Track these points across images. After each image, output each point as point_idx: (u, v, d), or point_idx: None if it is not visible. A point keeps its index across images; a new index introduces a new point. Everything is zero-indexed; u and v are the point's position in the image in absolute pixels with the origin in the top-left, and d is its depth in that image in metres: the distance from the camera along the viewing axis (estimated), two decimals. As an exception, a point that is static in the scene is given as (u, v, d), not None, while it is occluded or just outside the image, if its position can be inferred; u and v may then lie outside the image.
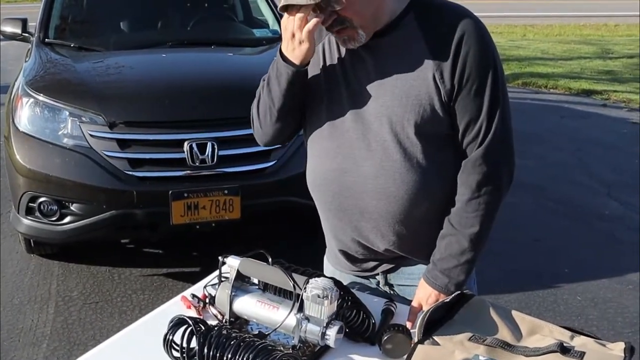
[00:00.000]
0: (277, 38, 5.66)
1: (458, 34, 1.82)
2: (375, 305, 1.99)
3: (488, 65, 1.84)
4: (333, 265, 2.25)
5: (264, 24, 6.24)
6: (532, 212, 5.79)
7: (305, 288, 1.74)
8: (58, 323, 4.00)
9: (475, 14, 1.88)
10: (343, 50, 1.95)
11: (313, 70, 1.99)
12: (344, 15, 1.78)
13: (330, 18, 1.79)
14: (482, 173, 1.88)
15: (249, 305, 1.88)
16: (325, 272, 2.22)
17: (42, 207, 4.17)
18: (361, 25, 1.82)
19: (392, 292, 2.18)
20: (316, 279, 1.76)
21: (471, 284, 2.13)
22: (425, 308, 1.94)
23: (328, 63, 1.98)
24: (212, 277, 2.13)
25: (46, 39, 5.33)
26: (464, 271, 1.95)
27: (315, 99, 2.00)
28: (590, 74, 12.18)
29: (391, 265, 2.12)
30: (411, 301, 2.05)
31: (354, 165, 1.93)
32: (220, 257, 1.97)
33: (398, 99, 1.85)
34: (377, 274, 2.18)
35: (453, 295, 1.80)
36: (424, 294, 1.98)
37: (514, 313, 1.74)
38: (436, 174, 1.91)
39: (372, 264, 2.14)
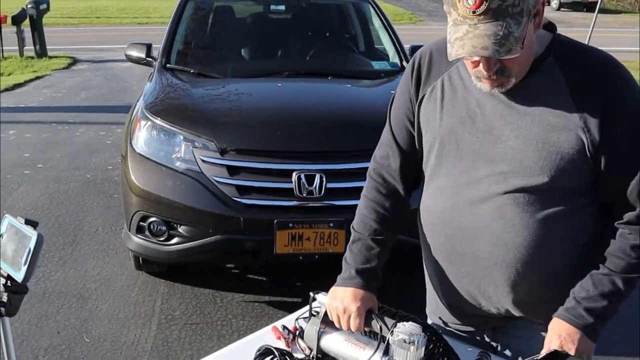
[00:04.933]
0: (396, 71, 5.64)
1: (606, 83, 1.74)
2: (468, 355, 1.93)
3: None
4: (431, 317, 2.20)
5: (384, 56, 6.19)
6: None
7: (392, 332, 1.72)
8: (159, 340, 4.08)
9: (608, 48, 1.79)
10: (469, 87, 1.88)
11: (431, 105, 1.94)
12: (507, 65, 1.72)
13: (495, 67, 1.72)
14: None
15: (336, 343, 1.89)
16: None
17: (151, 226, 4.28)
18: (516, 74, 1.75)
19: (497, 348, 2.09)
20: (404, 323, 1.73)
21: None
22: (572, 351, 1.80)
23: (448, 98, 1.91)
24: (304, 310, 2.14)
25: (167, 65, 5.50)
26: (611, 315, 1.84)
27: (432, 134, 1.94)
28: None
29: (501, 323, 2.02)
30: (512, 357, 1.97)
31: (471, 207, 1.86)
32: (311, 293, 1.98)
33: (533, 144, 1.77)
34: (484, 330, 2.09)
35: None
36: (561, 336, 1.82)
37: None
38: (562, 225, 1.82)
39: (480, 318, 2.04)
